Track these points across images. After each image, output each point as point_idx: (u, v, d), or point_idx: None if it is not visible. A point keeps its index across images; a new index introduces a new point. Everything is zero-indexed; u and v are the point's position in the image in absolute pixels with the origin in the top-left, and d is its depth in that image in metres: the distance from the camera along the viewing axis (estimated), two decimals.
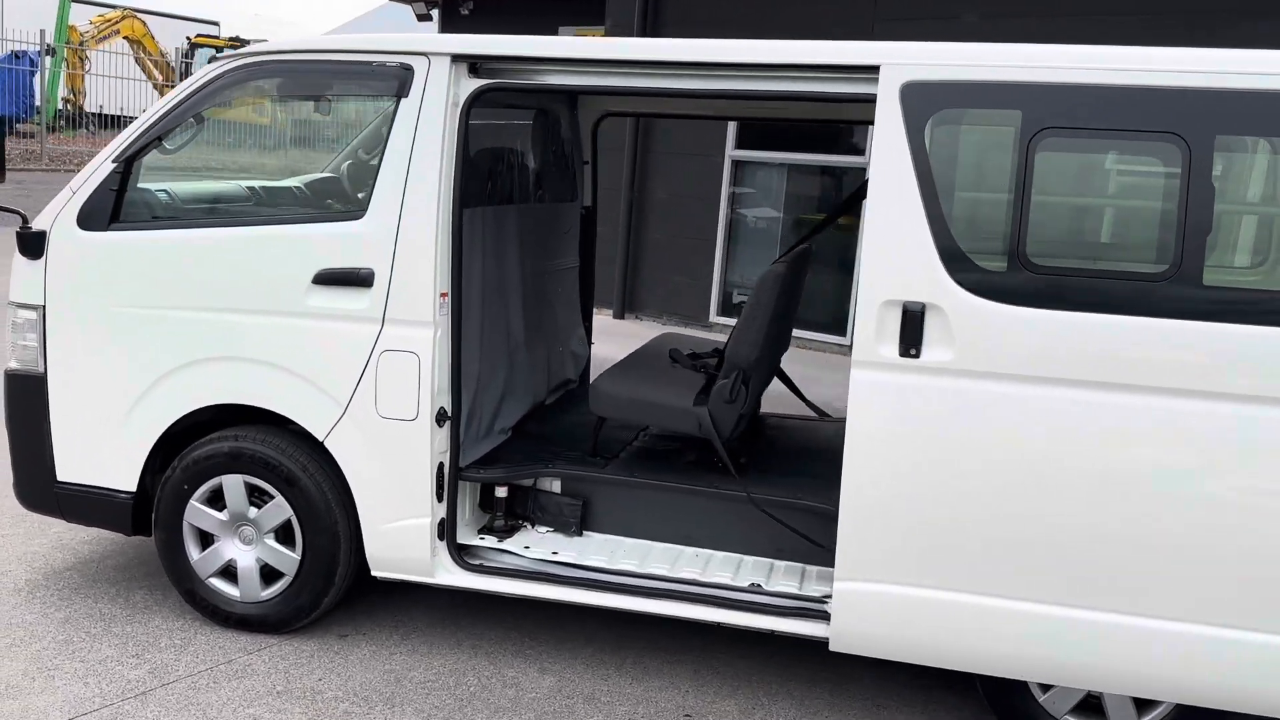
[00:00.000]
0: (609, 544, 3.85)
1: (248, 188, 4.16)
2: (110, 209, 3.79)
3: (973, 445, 3.10)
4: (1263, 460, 2.91)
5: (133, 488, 3.90)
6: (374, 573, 3.79)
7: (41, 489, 4.00)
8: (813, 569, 3.70)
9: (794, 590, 3.53)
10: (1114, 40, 7.68)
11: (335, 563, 3.78)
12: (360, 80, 3.62)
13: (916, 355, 3.12)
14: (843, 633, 3.29)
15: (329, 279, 3.60)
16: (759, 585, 3.56)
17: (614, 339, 9.07)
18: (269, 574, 3.87)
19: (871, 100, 3.24)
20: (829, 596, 3.43)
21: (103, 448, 3.89)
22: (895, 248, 3.11)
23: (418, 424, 3.61)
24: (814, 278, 11.01)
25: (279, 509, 3.79)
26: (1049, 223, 3.16)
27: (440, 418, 3.62)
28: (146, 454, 3.87)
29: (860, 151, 9.96)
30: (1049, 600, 3.11)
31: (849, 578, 3.25)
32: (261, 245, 3.67)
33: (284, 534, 3.83)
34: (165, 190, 3.98)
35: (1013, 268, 3.06)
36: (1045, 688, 3.34)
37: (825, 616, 3.41)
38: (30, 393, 3.93)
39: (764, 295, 3.66)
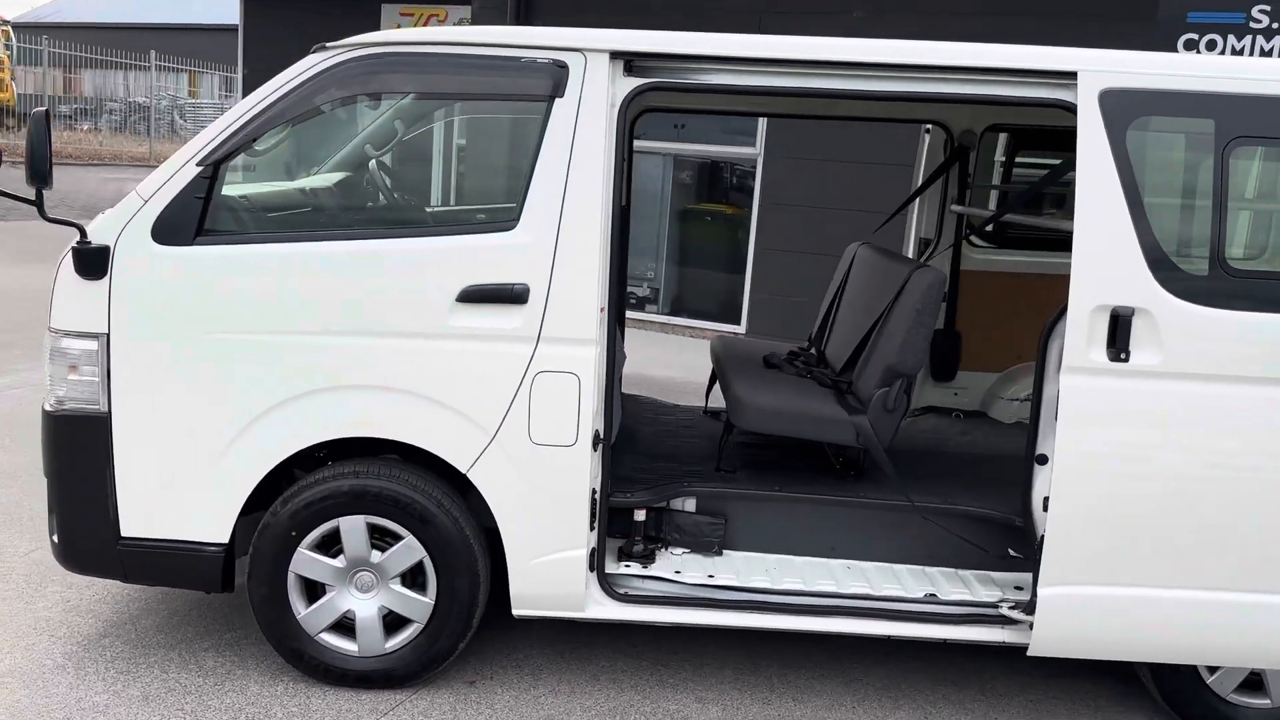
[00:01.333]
0: (752, 561, 3.71)
1: (341, 194, 3.67)
2: (196, 220, 3.27)
3: (1178, 445, 3.18)
4: None
5: (225, 539, 3.40)
6: (516, 612, 3.47)
7: (99, 547, 3.42)
8: (967, 573, 3.70)
9: (969, 598, 3.52)
10: (1002, 37, 8.11)
11: (475, 604, 3.45)
12: (506, 77, 3.27)
13: (1126, 359, 3.17)
14: (1045, 637, 3.31)
15: (477, 296, 3.25)
16: (934, 595, 3.52)
17: None
18: (391, 623, 3.48)
19: (1056, 105, 3.24)
20: (1003, 602, 3.45)
21: (186, 496, 3.36)
22: (1104, 254, 3.14)
23: (576, 449, 3.33)
24: (704, 268, 11.10)
25: (409, 551, 3.40)
26: (1245, 228, 3.27)
27: (595, 441, 3.36)
28: (244, 500, 3.38)
29: (746, 143, 10.07)
30: (1244, 589, 3.25)
31: (1055, 582, 3.27)
32: (394, 261, 3.26)
33: (411, 577, 3.45)
34: (254, 196, 3.47)
35: (1213, 271, 3.15)
36: (1212, 670, 3.50)
37: (1001, 621, 3.43)
38: (87, 436, 3.34)
39: (932, 303, 3.61)
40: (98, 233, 3.27)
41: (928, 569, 3.72)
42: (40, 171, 3.11)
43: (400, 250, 3.27)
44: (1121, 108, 3.15)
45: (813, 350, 4.66)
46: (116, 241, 3.27)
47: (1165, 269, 3.15)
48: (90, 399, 3.33)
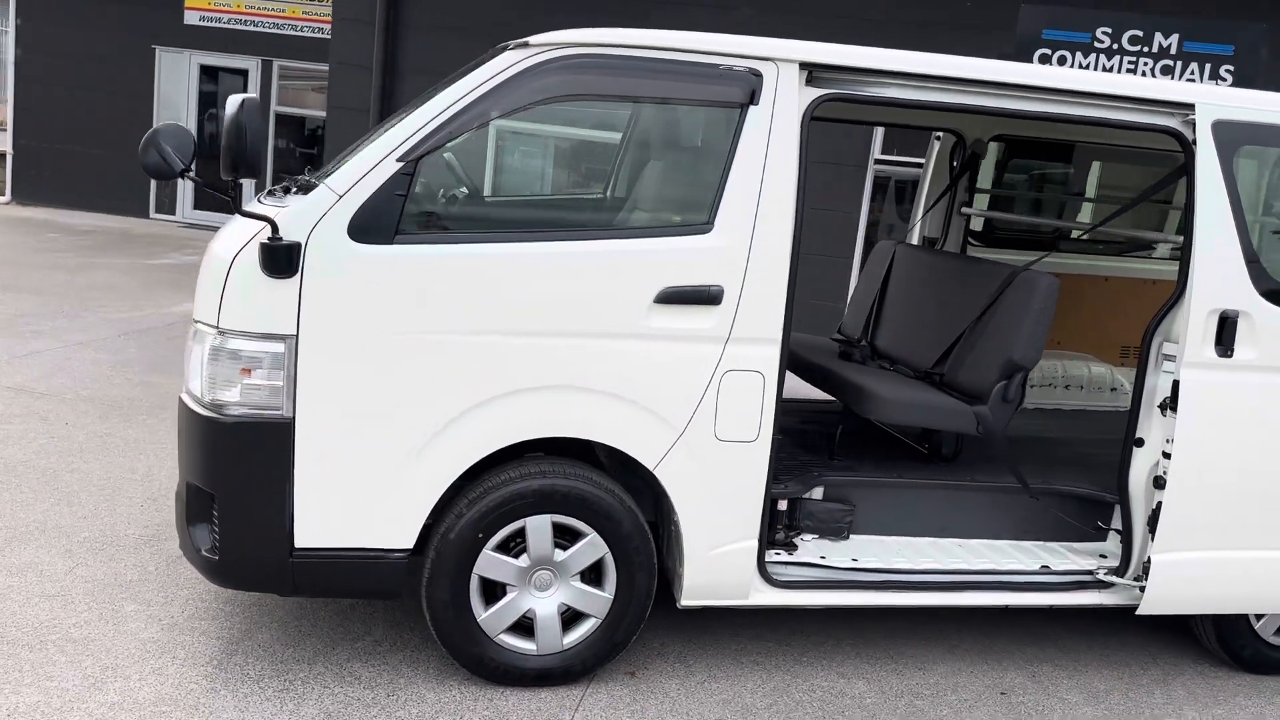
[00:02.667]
0: (878, 544, 3.97)
1: (530, 191, 3.56)
2: (396, 218, 3.15)
3: (1272, 427, 3.72)
4: None
5: (410, 545, 3.31)
6: (684, 603, 3.58)
7: (268, 561, 3.24)
8: (1055, 545, 4.12)
9: (1074, 567, 3.94)
10: (880, 41, 8.74)
11: (650, 597, 3.53)
12: (703, 83, 3.35)
13: (1230, 355, 3.66)
14: (1157, 597, 3.78)
15: (675, 297, 3.32)
16: (1047, 567, 3.92)
17: None
18: (566, 620, 3.51)
19: (1163, 131, 3.69)
20: (1100, 568, 3.91)
21: (371, 503, 3.25)
22: (1216, 265, 3.62)
23: (757, 445, 3.48)
24: None
25: (593, 548, 3.44)
26: None
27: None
28: (434, 504, 3.30)
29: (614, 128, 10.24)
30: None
31: (1166, 549, 3.74)
32: (596, 261, 3.28)
33: (590, 573, 3.49)
34: (454, 195, 3.36)
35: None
36: (1259, 618, 4.09)
37: (1099, 586, 3.88)
38: (266, 444, 3.16)
39: (1052, 304, 3.97)
40: (285, 229, 3.09)
41: (1022, 543, 4.13)
42: (252, 163, 2.93)
43: (601, 251, 3.29)
44: (1230, 136, 3.63)
45: (862, 343, 4.97)
46: (308, 238, 3.10)
47: (1261, 278, 3.66)
48: (271, 404, 3.15)
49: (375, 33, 10.31)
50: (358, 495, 3.24)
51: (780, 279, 3.40)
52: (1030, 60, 9.48)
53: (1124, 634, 4.37)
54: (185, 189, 15.17)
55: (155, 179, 3.18)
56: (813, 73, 3.44)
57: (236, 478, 3.19)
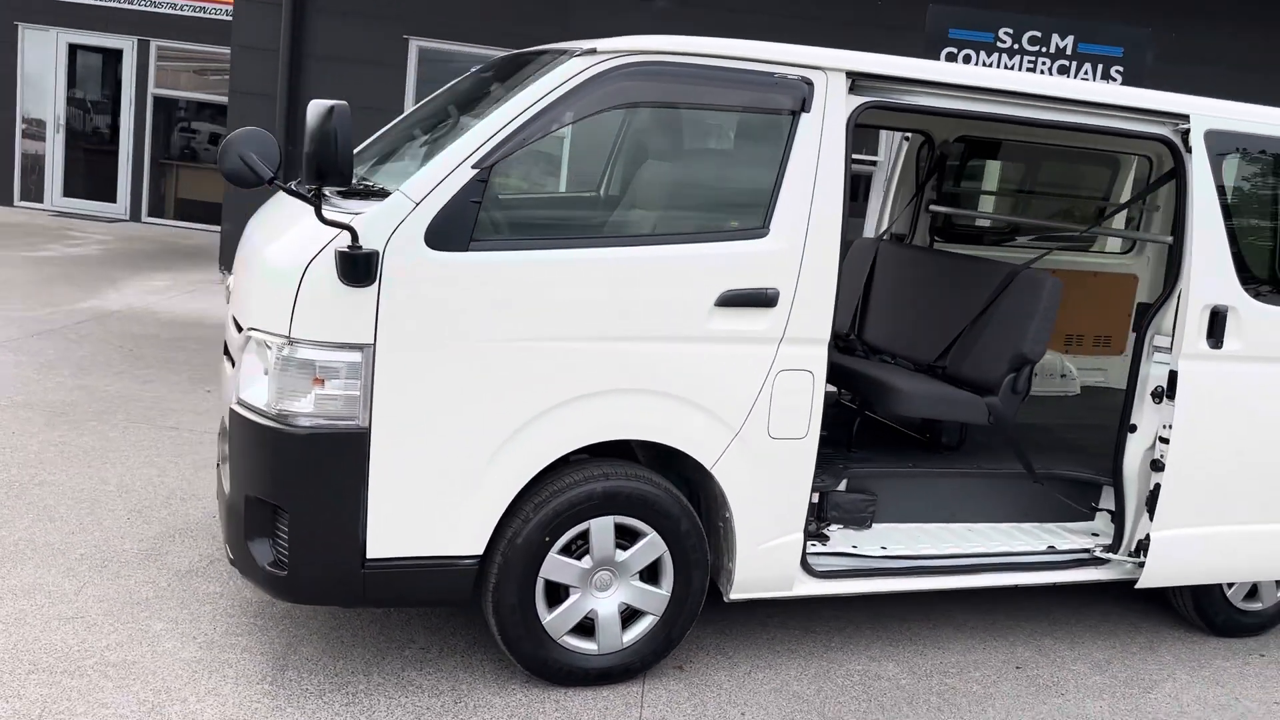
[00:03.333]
0: (897, 532, 4.15)
1: (594, 197, 3.53)
2: (471, 225, 3.13)
3: (1256, 411, 4.06)
4: None
5: (481, 550, 3.30)
6: (732, 596, 3.68)
7: (340, 572, 3.19)
8: (1052, 526, 4.39)
9: (1076, 546, 4.22)
10: (797, 37, 9.01)
11: (703, 593, 3.62)
12: (759, 91, 3.43)
13: (1220, 347, 3.98)
14: (1155, 571, 4.08)
15: (734, 300, 3.41)
16: (1053, 547, 4.18)
17: None
18: (625, 618, 3.56)
19: (1155, 139, 3.97)
20: (1097, 546, 4.19)
21: (443, 510, 3.23)
22: (1208, 264, 3.92)
23: (806, 441, 3.61)
24: None
25: (652, 547, 3.51)
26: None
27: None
28: (504, 510, 3.30)
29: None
30: (1274, 520, 4.22)
31: (1165, 527, 4.04)
32: (661, 266, 3.33)
33: (647, 572, 3.55)
34: (520, 201, 3.34)
35: (1272, 277, 4.04)
36: (1230, 585, 4.46)
37: (1100, 563, 4.16)
38: (341, 455, 3.11)
39: (1057, 302, 4.21)
40: (363, 237, 3.03)
41: (1022, 525, 4.38)
42: (343, 171, 2.87)
43: (667, 256, 3.35)
44: (1220, 145, 3.94)
45: (851, 338, 5.15)
46: (386, 246, 3.05)
47: (1246, 275, 3.99)
48: (347, 414, 3.09)
49: (281, 15, 9.98)
50: (430, 503, 3.21)
51: (830, 281, 3.52)
52: (938, 58, 9.90)
53: (1103, 607, 4.69)
54: (54, 174, 14.30)
55: (238, 186, 3.08)
56: (856, 81, 3.57)
57: (309, 490, 3.12)
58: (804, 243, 3.47)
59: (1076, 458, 4.55)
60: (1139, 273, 6.08)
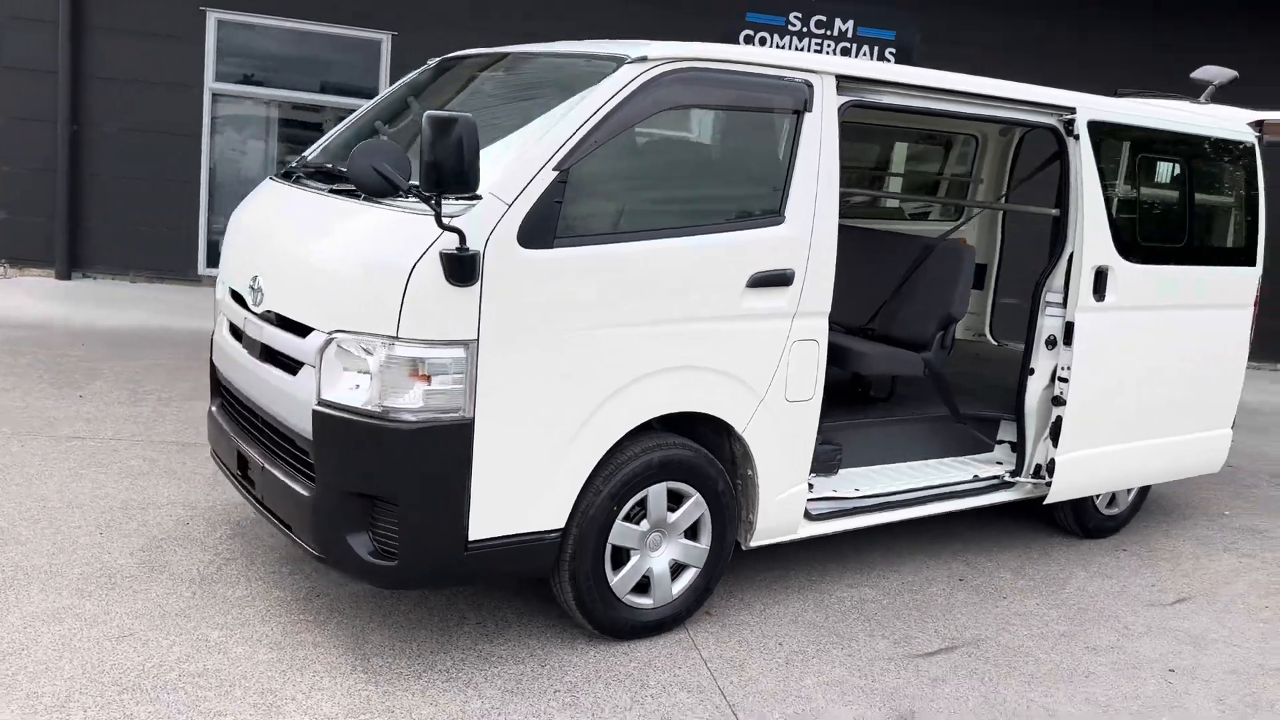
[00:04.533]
0: (858, 475, 4.73)
1: (647, 193, 3.73)
2: (555, 223, 3.36)
3: (1128, 350, 4.95)
4: (1188, 340, 5.28)
5: (563, 524, 3.57)
6: (752, 544, 4.14)
7: (446, 558, 3.37)
8: (965, 458, 5.14)
9: (994, 473, 4.98)
10: (604, 24, 9.46)
11: (733, 544, 4.05)
12: (771, 93, 3.84)
13: (1102, 300, 4.82)
14: (1061, 487, 4.91)
15: (761, 281, 3.83)
16: (977, 476, 4.92)
17: (70, 303, 8.30)
18: (673, 573, 3.93)
19: (1044, 129, 4.75)
20: (1009, 472, 4.98)
21: (533, 489, 3.47)
22: (1093, 232, 4.74)
23: (813, 402, 4.10)
24: None
25: (696, 507, 3.89)
26: (1144, 211, 5.09)
27: None
28: (582, 484, 3.57)
29: (350, 92, 10.06)
30: (1154, 436, 5.17)
31: (1066, 451, 4.87)
32: (708, 254, 3.70)
33: (690, 530, 3.93)
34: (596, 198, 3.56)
35: (1134, 242, 4.94)
36: (1098, 496, 5.39)
37: (1008, 486, 4.95)
38: (449, 446, 3.28)
39: (972, 267, 4.87)
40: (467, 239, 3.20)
41: (944, 460, 5.10)
42: (469, 180, 3.04)
43: (710, 244, 3.71)
44: (1099, 133, 4.76)
45: None
46: (485, 246, 3.23)
47: (1119, 240, 4.85)
48: (453, 407, 3.26)
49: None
50: (523, 484, 3.44)
51: (831, 259, 4.01)
52: (736, 41, 10.59)
53: (998, 524, 5.52)
54: None
55: (373, 195, 3.13)
56: (840, 82, 4.06)
57: (419, 481, 3.27)
58: (811, 227, 3.94)
59: (968, 400, 5.32)
60: (969, 238, 7.01)
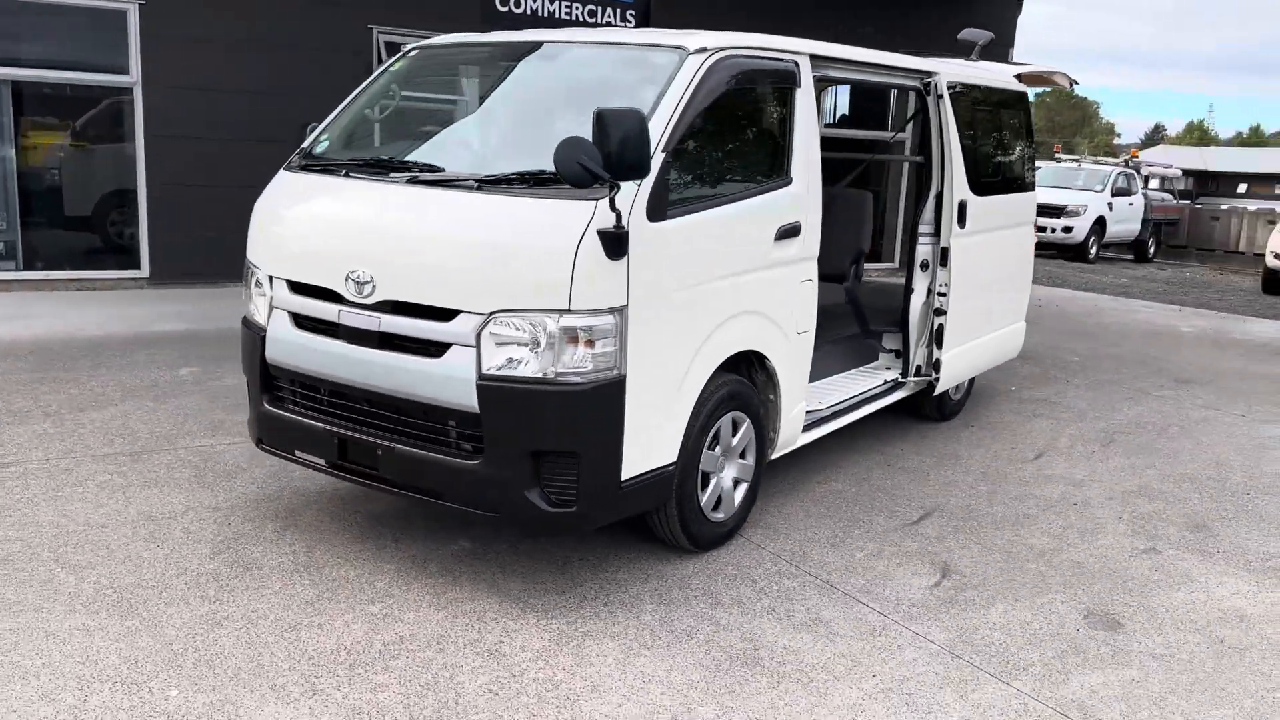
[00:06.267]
0: (812, 389, 5.59)
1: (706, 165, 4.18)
2: (665, 198, 3.88)
3: (978, 265, 6.19)
4: (1004, 254, 6.67)
5: (675, 457, 4.13)
6: (773, 457, 4.91)
7: (611, 499, 3.86)
8: (866, 367, 6.18)
9: (890, 378, 6.05)
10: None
11: (764, 459, 4.80)
12: (779, 72, 4.54)
13: (964, 227, 6.00)
14: (944, 380, 6.08)
15: (783, 234, 4.56)
16: (886, 381, 5.96)
17: None
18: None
19: (914, 90, 5.82)
20: (901, 374, 6.09)
21: (659, 430, 4.01)
22: (957, 173, 5.89)
23: (811, 331, 4.92)
24: (78, 213, 10.03)
25: (749, 431, 4.59)
26: (980, 154, 6.29)
27: None
28: (687, 422, 4.15)
29: (119, 69, 9.43)
30: (985, 333, 6.48)
31: (947, 350, 6.03)
32: (752, 215, 4.37)
33: (742, 452, 4.62)
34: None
35: (972, 180, 6.14)
36: (942, 387, 6.65)
37: (900, 386, 6.08)
38: (613, 400, 3.75)
39: (871, 208, 5.79)
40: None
41: (850, 372, 6.11)
42: (644, 166, 3.51)
43: (755, 206, 4.38)
44: (952, 92, 5.88)
45: None
46: (628, 224, 3.70)
47: (971, 180, 6.03)
48: (610, 366, 3.71)
49: None
50: (653, 427, 3.97)
51: (819, 211, 4.81)
52: (478, 9, 10.92)
53: (878, 420, 6.64)
54: None
55: (575, 186, 3.44)
56: (812, 60, 4.83)
57: (595, 433, 3.72)
58: (807, 185, 4.71)
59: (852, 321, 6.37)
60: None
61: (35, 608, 3.74)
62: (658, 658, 3.62)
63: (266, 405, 4.36)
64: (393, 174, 4.20)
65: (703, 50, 4.17)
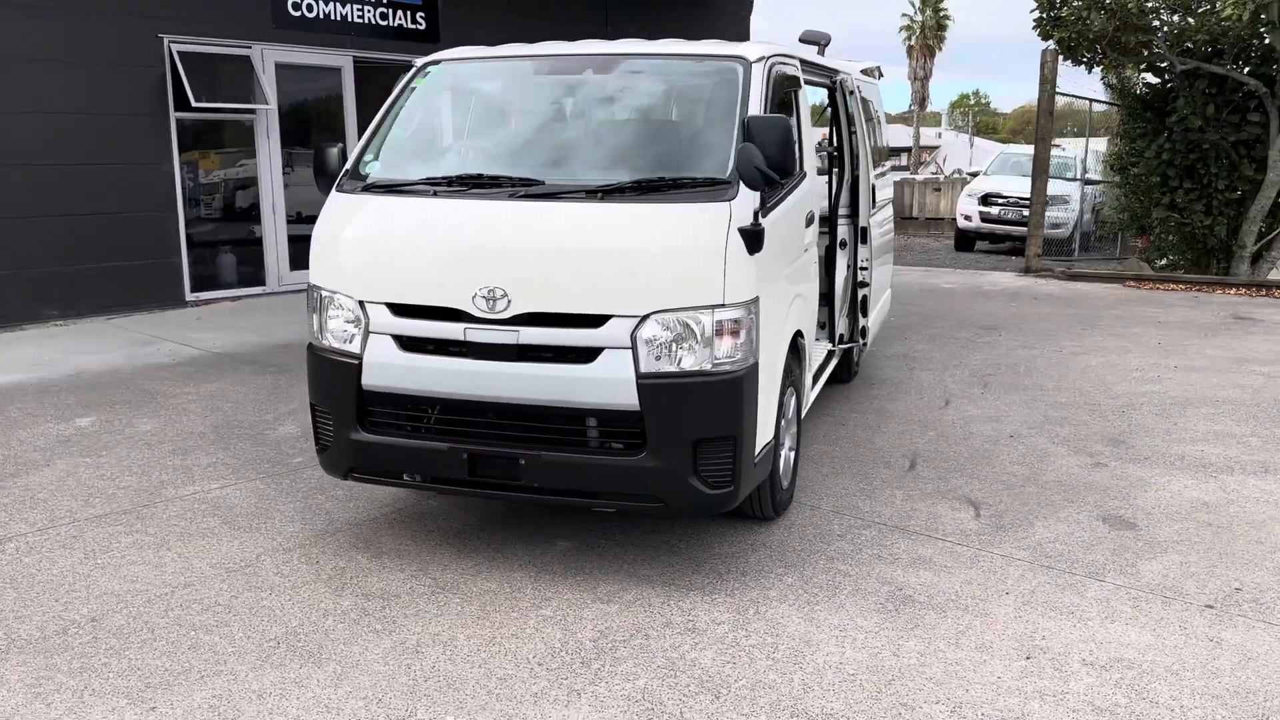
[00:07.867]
0: None
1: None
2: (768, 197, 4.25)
3: (880, 241, 6.96)
4: (887, 225, 7.51)
5: (773, 434, 4.50)
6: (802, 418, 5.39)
7: (751, 475, 4.18)
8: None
9: (829, 347, 6.68)
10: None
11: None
12: (792, 77, 4.99)
13: (874, 206, 6.74)
14: (869, 343, 6.81)
15: (808, 221, 5.05)
16: (829, 350, 6.59)
17: None
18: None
19: (828, 86, 6.48)
20: (832, 342, 6.77)
21: (767, 408, 4.36)
22: (867, 160, 6.61)
23: (816, 312, 5.44)
24: None
25: (794, 402, 5.03)
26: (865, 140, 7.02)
27: None
28: (779, 397, 4.53)
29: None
30: (880, 299, 7.28)
31: (869, 317, 6.76)
32: (797, 206, 4.82)
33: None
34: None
35: (876, 163, 6.90)
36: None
37: (833, 354, 6.76)
38: (753, 384, 4.08)
39: None
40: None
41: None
42: (792, 168, 3.87)
43: (798, 197, 4.84)
44: (855, 89, 6.59)
45: None
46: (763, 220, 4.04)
47: (873, 165, 6.78)
48: (749, 354, 4.03)
49: None
50: (764, 406, 4.32)
51: (822, 198, 5.33)
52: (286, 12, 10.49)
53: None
54: None
55: (753, 188, 3.66)
56: (801, 65, 5.32)
57: (748, 416, 4.03)
58: (812, 176, 5.22)
59: None
60: None
61: (213, 672, 3.52)
62: (831, 611, 4.01)
63: (363, 433, 4.25)
64: (486, 190, 4.24)
65: (761, 59, 4.55)
